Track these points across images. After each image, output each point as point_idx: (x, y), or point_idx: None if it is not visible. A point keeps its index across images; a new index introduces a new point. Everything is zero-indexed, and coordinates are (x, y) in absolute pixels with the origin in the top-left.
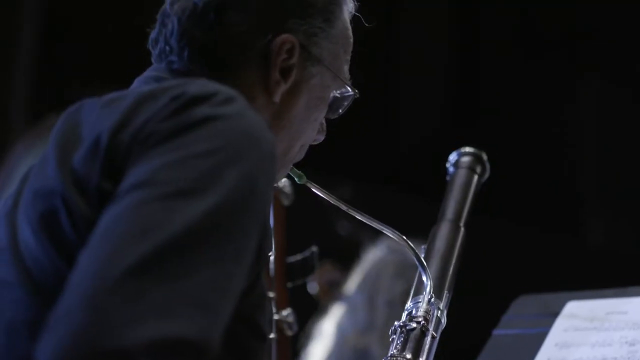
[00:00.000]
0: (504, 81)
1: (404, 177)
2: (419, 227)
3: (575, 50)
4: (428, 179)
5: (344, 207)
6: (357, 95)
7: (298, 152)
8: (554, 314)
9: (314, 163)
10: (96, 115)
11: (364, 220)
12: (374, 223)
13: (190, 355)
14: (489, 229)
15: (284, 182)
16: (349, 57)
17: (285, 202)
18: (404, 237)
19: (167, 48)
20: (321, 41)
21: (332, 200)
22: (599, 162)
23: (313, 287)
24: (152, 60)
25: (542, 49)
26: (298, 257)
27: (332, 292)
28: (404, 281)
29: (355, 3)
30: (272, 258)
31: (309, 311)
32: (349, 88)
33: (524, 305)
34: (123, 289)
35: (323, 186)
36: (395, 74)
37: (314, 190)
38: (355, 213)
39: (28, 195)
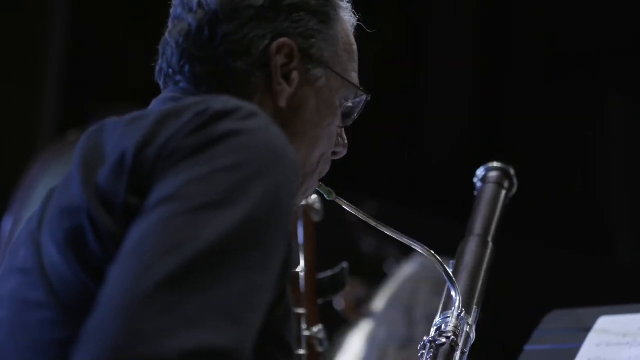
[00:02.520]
0: (531, 100)
1: (429, 194)
2: (443, 244)
3: (603, 68)
4: (453, 195)
5: (373, 223)
6: (369, 98)
7: (319, 163)
8: (586, 329)
9: (339, 181)
10: (119, 134)
11: (393, 236)
12: (403, 238)
13: None
14: (522, 247)
15: (314, 198)
16: (355, 64)
17: (316, 218)
18: (433, 252)
19: (170, 71)
20: (319, 43)
21: (361, 216)
22: (627, 178)
23: (339, 304)
24: (161, 89)
25: (568, 67)
26: (328, 273)
27: (359, 308)
28: (441, 298)
29: (355, 18)
30: (302, 274)
31: (335, 327)
32: (358, 91)
33: (555, 321)
34: (155, 301)
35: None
36: (422, 94)
37: (343, 206)
38: (384, 229)
39: (53, 214)
